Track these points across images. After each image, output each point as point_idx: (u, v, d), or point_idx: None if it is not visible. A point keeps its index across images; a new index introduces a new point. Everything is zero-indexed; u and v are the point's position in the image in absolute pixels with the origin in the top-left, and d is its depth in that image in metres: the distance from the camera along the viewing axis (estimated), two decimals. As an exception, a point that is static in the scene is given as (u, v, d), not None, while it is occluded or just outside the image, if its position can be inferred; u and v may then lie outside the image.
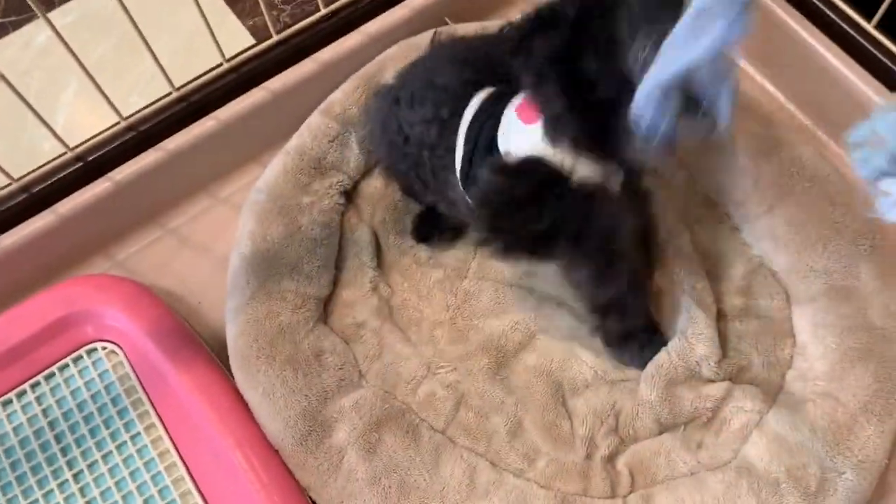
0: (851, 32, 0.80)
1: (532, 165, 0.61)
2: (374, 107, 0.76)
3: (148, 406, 0.73)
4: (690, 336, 0.72)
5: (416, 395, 0.72)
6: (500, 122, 0.64)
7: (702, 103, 0.51)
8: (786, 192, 0.76)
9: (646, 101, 0.52)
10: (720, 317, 0.74)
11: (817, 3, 0.81)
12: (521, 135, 0.62)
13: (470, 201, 0.67)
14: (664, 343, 0.72)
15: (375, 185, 0.83)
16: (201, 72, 0.84)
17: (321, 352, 0.73)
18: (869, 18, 0.78)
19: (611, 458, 0.69)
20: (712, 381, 0.71)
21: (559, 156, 0.60)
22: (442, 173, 0.69)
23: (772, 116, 0.81)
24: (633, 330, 0.72)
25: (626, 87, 0.53)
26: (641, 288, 0.72)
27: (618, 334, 0.72)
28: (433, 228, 0.79)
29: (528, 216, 0.62)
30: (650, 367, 0.71)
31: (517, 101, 0.63)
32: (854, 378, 0.69)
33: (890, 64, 0.78)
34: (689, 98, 0.51)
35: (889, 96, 0.77)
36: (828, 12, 0.81)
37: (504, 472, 0.69)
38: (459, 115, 0.67)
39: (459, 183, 0.67)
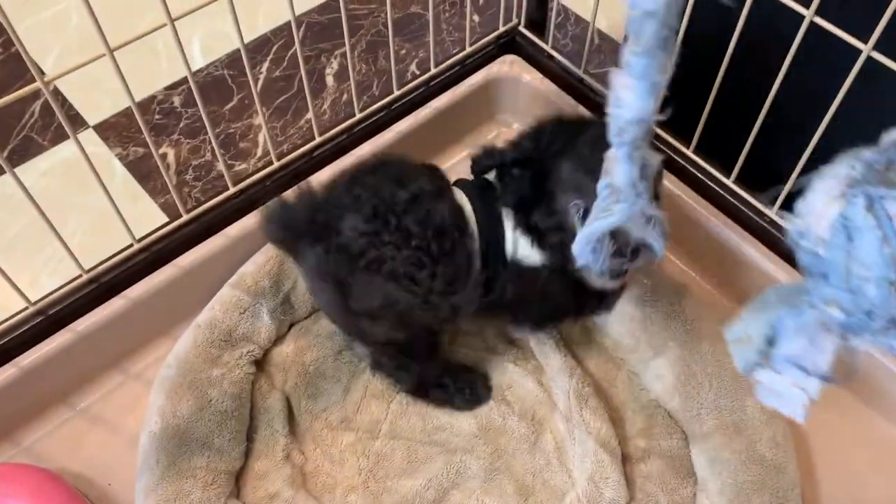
0: (716, 188, 0.89)
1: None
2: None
3: None
4: (598, 481, 0.74)
5: (332, 566, 0.72)
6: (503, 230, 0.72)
7: (631, 245, 0.62)
8: (670, 337, 0.81)
9: (581, 251, 0.61)
10: (626, 459, 0.77)
11: (685, 165, 0.91)
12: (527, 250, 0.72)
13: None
14: None
15: (286, 351, 0.86)
16: (113, 251, 0.86)
17: (234, 529, 0.72)
18: (729, 173, 0.87)
19: None
20: (622, 525, 0.73)
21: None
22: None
23: (654, 267, 0.88)
24: None
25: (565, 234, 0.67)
26: None
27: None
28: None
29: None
30: (562, 515, 0.73)
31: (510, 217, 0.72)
32: (752, 512, 0.72)
33: (750, 213, 0.87)
34: (621, 241, 0.62)
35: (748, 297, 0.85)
36: (696, 173, 0.90)
37: None
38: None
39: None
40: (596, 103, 0.96)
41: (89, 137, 1.09)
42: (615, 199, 0.55)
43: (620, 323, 0.84)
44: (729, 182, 0.88)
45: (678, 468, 0.77)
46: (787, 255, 0.84)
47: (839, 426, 0.82)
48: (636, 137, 0.45)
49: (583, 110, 0.95)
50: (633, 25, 0.38)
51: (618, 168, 0.50)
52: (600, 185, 0.57)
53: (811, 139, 0.75)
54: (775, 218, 0.85)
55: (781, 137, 0.81)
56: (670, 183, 0.90)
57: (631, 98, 0.42)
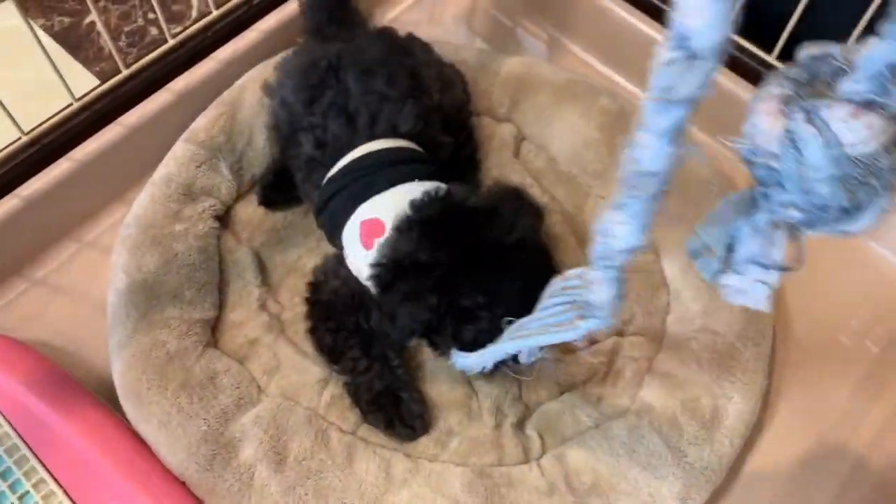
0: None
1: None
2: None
3: (34, 462, 0.68)
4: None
5: (322, 399, 0.71)
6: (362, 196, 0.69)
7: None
8: (638, 155, 0.81)
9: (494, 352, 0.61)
10: (599, 279, 0.78)
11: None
12: (359, 255, 0.68)
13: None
14: None
15: (251, 210, 0.83)
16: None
17: (215, 374, 0.71)
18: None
19: (519, 425, 0.71)
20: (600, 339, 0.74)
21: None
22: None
23: (617, 94, 0.87)
24: None
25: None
26: None
27: None
28: (280, 195, 0.82)
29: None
30: (542, 332, 0.73)
31: (365, 212, 0.68)
32: (727, 311, 0.73)
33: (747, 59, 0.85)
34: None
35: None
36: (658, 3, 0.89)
37: (419, 460, 0.69)
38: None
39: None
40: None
41: (8, 9, 1.01)
42: (579, 314, 0.54)
43: (587, 149, 0.83)
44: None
45: (652, 281, 0.78)
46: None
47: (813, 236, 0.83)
48: (623, 263, 0.48)
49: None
50: (635, 178, 0.43)
51: (600, 288, 0.51)
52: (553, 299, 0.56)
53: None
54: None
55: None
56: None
57: (623, 232, 0.45)
